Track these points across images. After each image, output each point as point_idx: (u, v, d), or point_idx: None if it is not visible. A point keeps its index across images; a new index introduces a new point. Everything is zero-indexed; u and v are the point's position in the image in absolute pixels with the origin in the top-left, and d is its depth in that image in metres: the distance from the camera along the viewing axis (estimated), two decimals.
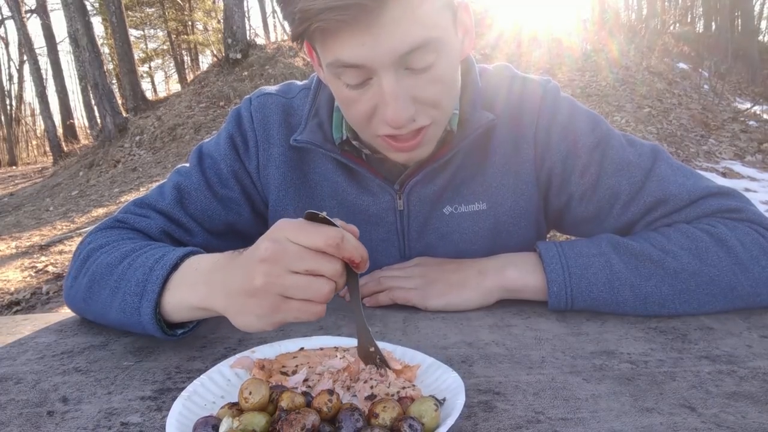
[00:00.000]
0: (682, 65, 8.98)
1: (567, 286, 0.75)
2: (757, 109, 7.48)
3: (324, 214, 0.56)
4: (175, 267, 0.70)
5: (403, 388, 0.54)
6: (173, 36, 19.50)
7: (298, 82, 0.96)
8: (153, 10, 19.64)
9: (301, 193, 0.91)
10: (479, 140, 0.86)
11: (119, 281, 0.72)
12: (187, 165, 0.94)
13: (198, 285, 0.66)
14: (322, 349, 0.64)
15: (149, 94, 12.79)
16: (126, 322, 0.72)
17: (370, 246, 0.90)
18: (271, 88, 0.95)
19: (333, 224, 0.56)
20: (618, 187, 0.83)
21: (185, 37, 19.03)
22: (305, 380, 0.58)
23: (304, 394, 0.53)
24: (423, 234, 0.89)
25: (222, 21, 11.02)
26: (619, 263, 0.75)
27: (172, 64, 21.76)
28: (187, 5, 18.36)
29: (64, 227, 6.33)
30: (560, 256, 0.77)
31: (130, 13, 17.66)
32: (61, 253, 5.07)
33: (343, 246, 0.55)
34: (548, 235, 0.98)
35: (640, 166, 0.83)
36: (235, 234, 0.95)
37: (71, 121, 16.01)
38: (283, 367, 0.60)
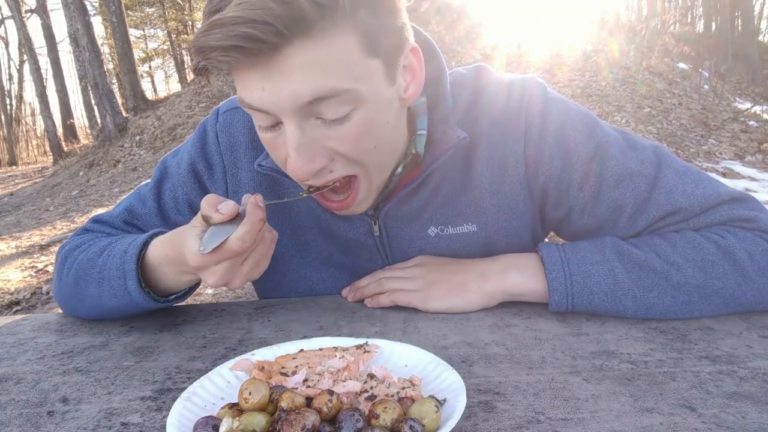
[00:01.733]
0: (682, 65, 8.97)
1: (568, 294, 0.74)
2: (757, 109, 7.48)
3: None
4: (145, 245, 0.76)
5: (403, 388, 0.54)
6: (173, 36, 19.49)
7: None
8: (153, 9, 19.64)
9: (278, 218, 0.87)
10: (457, 159, 0.80)
11: (102, 271, 0.78)
12: (149, 184, 0.92)
13: (167, 247, 0.73)
14: (321, 349, 0.64)
15: (149, 94, 12.78)
16: (120, 306, 0.78)
17: (355, 264, 0.89)
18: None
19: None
20: (622, 200, 0.78)
21: (185, 36, 19.02)
22: (305, 381, 0.58)
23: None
24: (408, 254, 0.86)
25: None
26: (623, 273, 0.74)
27: (172, 64, 21.77)
28: (187, 5, 18.35)
29: (64, 227, 6.33)
30: (563, 262, 0.75)
31: (130, 12, 17.66)
32: None
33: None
34: (547, 237, 0.97)
35: (643, 175, 0.78)
36: None
37: (71, 120, 16.01)
38: (283, 368, 0.60)
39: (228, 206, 0.63)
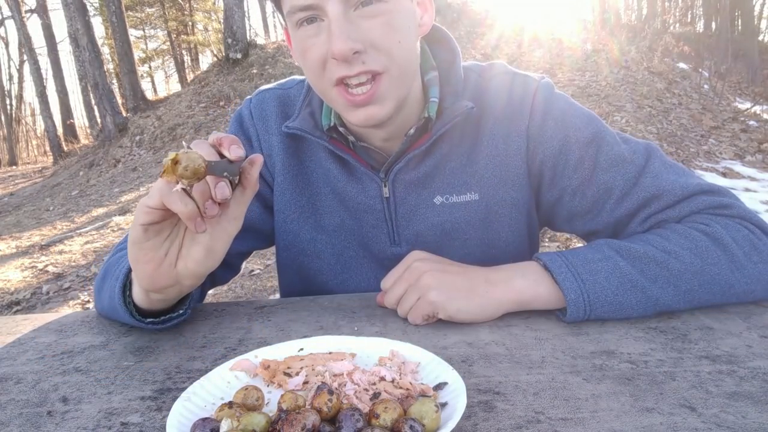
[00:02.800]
0: (682, 65, 8.97)
1: (583, 292, 0.72)
2: (757, 109, 7.47)
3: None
4: None
5: (407, 397, 0.53)
6: (173, 36, 19.49)
7: (298, 77, 0.99)
8: (153, 10, 19.64)
9: (299, 180, 0.94)
10: (466, 129, 0.87)
11: (114, 268, 0.79)
12: None
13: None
14: (330, 353, 0.63)
15: (149, 94, 12.78)
16: (113, 308, 0.77)
17: (361, 233, 0.93)
18: (270, 85, 0.99)
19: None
20: (612, 183, 0.84)
21: (185, 37, 19.03)
22: (305, 382, 0.58)
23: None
24: (412, 222, 0.90)
25: (222, 21, 11.02)
26: (627, 266, 0.73)
27: (172, 64, 21.78)
28: (188, 5, 18.36)
29: (65, 227, 6.33)
30: (567, 265, 0.74)
31: (130, 13, 17.66)
32: (61, 253, 5.07)
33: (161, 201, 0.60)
34: (540, 231, 0.99)
35: (634, 163, 0.83)
36: (251, 232, 0.97)
37: (71, 120, 16.03)
38: (288, 368, 0.60)
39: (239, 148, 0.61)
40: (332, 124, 0.86)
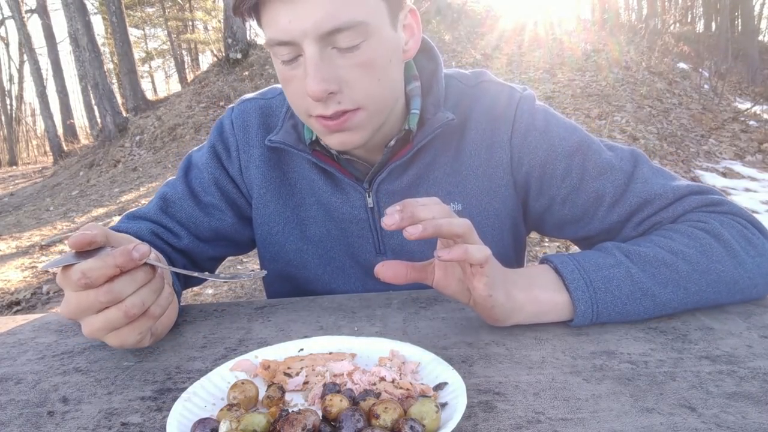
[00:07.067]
0: (682, 65, 8.97)
1: (593, 303, 0.70)
2: (757, 109, 7.48)
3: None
4: None
5: (408, 398, 0.53)
6: (174, 35, 19.50)
7: (279, 86, 0.98)
8: (153, 9, 19.65)
9: (282, 192, 0.95)
10: (449, 139, 0.88)
11: None
12: (177, 175, 0.99)
13: None
14: (330, 353, 0.64)
15: (149, 94, 12.79)
16: None
17: (347, 242, 0.94)
18: (252, 94, 1.00)
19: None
20: (602, 190, 0.84)
21: (186, 36, 19.04)
22: (305, 382, 0.58)
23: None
24: (397, 231, 0.87)
25: (222, 20, 11.03)
26: (638, 272, 0.72)
27: (172, 64, 21.80)
28: (188, 5, 18.37)
29: (65, 227, 6.33)
30: (580, 270, 0.72)
31: (130, 12, 17.68)
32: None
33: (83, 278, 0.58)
34: (528, 234, 1.00)
35: (622, 169, 0.84)
36: (223, 240, 0.98)
37: (71, 121, 16.04)
38: (288, 368, 0.60)
39: (83, 236, 0.59)
40: (314, 137, 0.87)
